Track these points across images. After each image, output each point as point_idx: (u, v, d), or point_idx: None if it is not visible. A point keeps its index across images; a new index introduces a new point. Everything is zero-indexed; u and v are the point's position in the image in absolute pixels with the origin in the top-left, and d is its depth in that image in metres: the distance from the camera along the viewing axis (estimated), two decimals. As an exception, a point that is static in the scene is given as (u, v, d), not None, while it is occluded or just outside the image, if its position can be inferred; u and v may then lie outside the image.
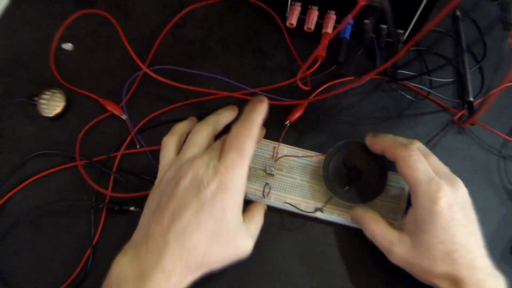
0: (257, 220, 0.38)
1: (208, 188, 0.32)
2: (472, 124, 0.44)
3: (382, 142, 0.39)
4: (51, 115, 0.43)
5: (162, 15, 0.48)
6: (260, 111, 0.36)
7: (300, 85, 0.42)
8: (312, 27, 0.44)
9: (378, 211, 0.40)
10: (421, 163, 0.36)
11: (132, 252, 0.32)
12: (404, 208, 0.41)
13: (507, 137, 0.45)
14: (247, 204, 0.39)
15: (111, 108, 0.43)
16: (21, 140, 0.43)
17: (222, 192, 0.32)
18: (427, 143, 0.45)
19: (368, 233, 0.38)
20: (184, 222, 0.31)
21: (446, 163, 0.44)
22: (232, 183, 0.32)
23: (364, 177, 0.41)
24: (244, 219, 0.35)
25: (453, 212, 0.34)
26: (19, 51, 0.47)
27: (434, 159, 0.39)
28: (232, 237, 0.33)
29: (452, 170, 0.44)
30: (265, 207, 0.40)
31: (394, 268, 0.37)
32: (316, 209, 0.41)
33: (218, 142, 0.36)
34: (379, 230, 0.37)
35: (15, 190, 0.42)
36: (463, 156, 0.45)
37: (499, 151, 0.46)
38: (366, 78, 0.42)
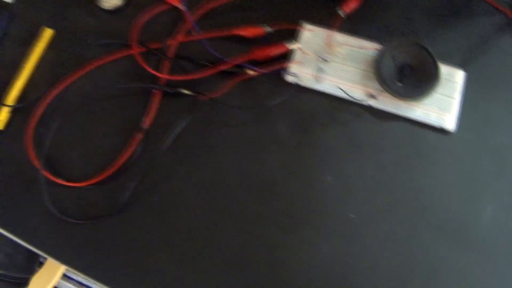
0: None
1: None
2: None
3: None
4: (111, 8, 0.45)
5: None
6: None
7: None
8: None
9: (429, 107, 0.40)
10: None
11: None
12: (458, 102, 0.41)
13: None
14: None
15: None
16: (81, 32, 0.45)
17: None
18: (483, 43, 0.44)
19: None
20: None
21: (503, 65, 0.44)
22: None
23: (417, 73, 0.41)
24: None
25: None
26: None
27: None
28: None
29: (510, 73, 0.43)
30: None
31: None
32: (370, 96, 0.40)
33: None
34: None
35: (73, 78, 0.43)
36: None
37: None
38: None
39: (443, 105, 0.41)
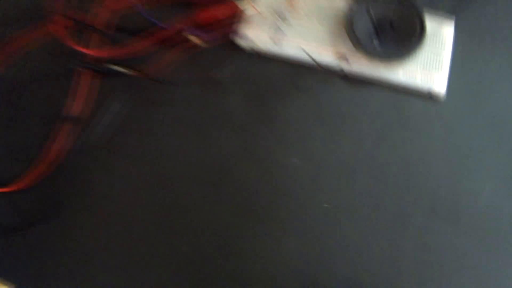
0: None
1: None
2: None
3: None
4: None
5: None
6: None
7: None
8: None
9: (414, 68, 0.34)
10: None
11: None
12: (448, 60, 0.34)
13: None
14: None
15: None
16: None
17: None
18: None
19: None
20: None
21: (497, 11, 0.38)
22: None
23: (398, 29, 0.34)
24: None
25: None
26: None
27: None
28: None
29: (507, 21, 0.37)
30: None
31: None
32: (342, 59, 0.34)
33: None
34: None
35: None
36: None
37: None
38: None
39: (430, 65, 0.34)
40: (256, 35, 0.35)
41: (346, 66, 0.34)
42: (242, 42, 0.35)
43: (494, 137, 0.34)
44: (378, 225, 0.32)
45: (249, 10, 0.35)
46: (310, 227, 0.33)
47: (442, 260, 0.32)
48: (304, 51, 0.34)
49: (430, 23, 0.34)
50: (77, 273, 0.32)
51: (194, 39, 0.34)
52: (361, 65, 0.34)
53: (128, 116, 0.35)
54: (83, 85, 0.35)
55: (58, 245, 0.33)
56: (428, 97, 0.34)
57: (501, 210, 0.33)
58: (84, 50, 0.35)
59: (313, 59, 0.34)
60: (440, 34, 0.35)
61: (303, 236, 0.32)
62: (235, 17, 0.35)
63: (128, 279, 0.32)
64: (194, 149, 0.34)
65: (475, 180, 0.33)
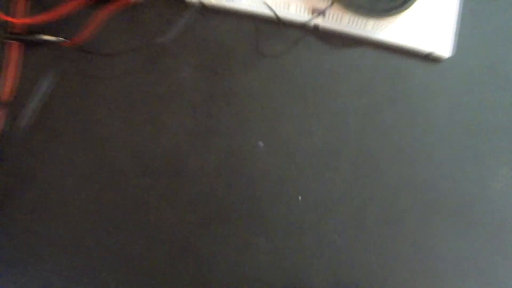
0: None
1: None
2: None
3: None
4: None
5: None
6: None
7: None
8: None
9: (412, 25, 0.27)
10: None
11: None
12: (453, 16, 0.27)
13: None
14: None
15: None
16: None
17: None
18: None
19: None
20: None
21: None
22: None
23: None
24: None
25: None
26: None
27: None
28: None
29: None
30: None
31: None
32: (316, 13, 0.26)
33: None
34: None
35: None
36: None
37: None
38: None
39: (431, 20, 0.27)
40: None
41: (322, 23, 0.27)
42: (189, -4, 0.28)
43: (502, 98, 0.28)
44: (365, 223, 0.28)
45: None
46: (282, 224, 0.28)
47: (444, 267, 0.27)
48: (267, 4, 0.27)
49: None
50: (24, 272, 0.29)
51: (131, -6, 0.28)
52: (341, 21, 0.27)
53: (61, 94, 0.29)
54: (10, 59, 0.29)
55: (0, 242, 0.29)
56: (428, 60, 0.28)
57: None
58: (10, 19, 0.29)
59: (277, 15, 0.27)
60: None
61: (274, 235, 0.28)
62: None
63: (76, 278, 0.29)
64: (141, 134, 0.29)
65: (486, 167, 0.28)
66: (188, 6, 0.29)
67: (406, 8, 0.27)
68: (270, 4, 0.27)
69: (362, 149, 0.28)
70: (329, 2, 0.27)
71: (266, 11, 0.28)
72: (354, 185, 0.28)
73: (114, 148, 0.29)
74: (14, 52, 0.30)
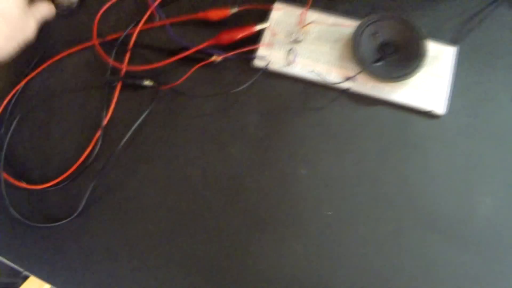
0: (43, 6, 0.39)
1: None
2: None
3: None
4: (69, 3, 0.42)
5: None
6: None
7: None
8: None
9: (416, 88, 0.36)
10: None
11: None
12: (448, 82, 0.36)
13: None
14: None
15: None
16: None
17: None
18: (475, 15, 0.40)
19: None
20: None
21: (498, 37, 0.40)
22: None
23: (400, 52, 0.37)
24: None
25: None
26: None
27: None
28: (17, 25, 0.35)
29: (507, 46, 0.40)
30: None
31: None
32: (348, 79, 0.36)
33: None
34: None
35: (32, 74, 0.40)
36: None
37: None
38: None
39: (431, 85, 0.37)
40: (271, 55, 0.38)
41: (352, 86, 0.37)
42: (257, 62, 0.38)
43: (494, 154, 0.36)
44: (376, 236, 0.34)
45: (266, 32, 0.39)
46: (314, 232, 0.35)
47: (440, 274, 0.33)
48: (314, 71, 0.37)
49: (433, 49, 0.37)
50: (101, 270, 0.35)
51: (214, 57, 0.38)
52: (366, 86, 0.37)
53: (151, 124, 0.38)
54: (114, 96, 0.38)
55: (82, 241, 0.36)
56: (429, 116, 0.37)
57: (501, 223, 0.34)
58: (119, 66, 0.39)
59: (322, 79, 0.37)
60: (442, 56, 0.37)
61: (307, 240, 0.34)
62: (254, 38, 0.38)
63: (144, 281, 0.35)
64: (211, 158, 0.37)
65: (475, 196, 0.35)
66: (256, 69, 0.38)
67: (412, 76, 0.36)
68: (316, 71, 0.37)
69: (376, 178, 0.35)
70: (358, 71, 0.37)
71: (313, 76, 0.37)
72: (369, 206, 0.35)
73: (189, 169, 0.37)
74: (118, 91, 0.39)
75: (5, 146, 0.38)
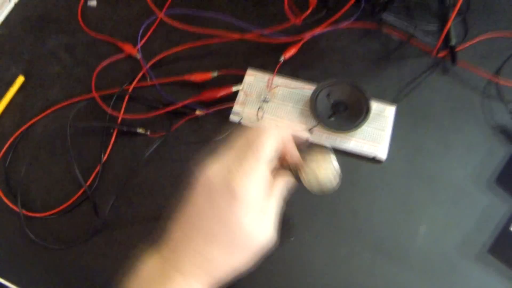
0: (277, 203, 0.32)
1: (221, 196, 0.29)
2: (454, 62, 0.48)
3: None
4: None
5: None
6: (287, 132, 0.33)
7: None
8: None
9: (363, 138, 0.44)
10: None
11: (157, 254, 0.31)
12: (388, 134, 0.45)
13: (491, 77, 0.49)
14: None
15: (127, 49, 0.49)
16: (47, 77, 0.50)
17: (235, 200, 0.28)
18: (412, 82, 0.49)
19: None
20: (199, 231, 0.29)
21: (430, 99, 0.48)
22: (246, 190, 0.29)
23: (350, 109, 0.45)
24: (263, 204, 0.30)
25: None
26: (51, 8, 0.55)
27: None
28: (252, 243, 0.30)
29: (437, 106, 0.48)
30: (290, 181, 0.34)
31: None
32: (306, 131, 0.44)
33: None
34: None
35: (37, 118, 0.48)
36: (447, 94, 0.48)
37: (483, 91, 0.49)
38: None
39: (375, 137, 0.44)
40: (244, 112, 0.46)
41: (310, 137, 0.44)
42: (234, 117, 0.46)
43: (427, 192, 0.43)
44: (334, 258, 0.40)
45: (240, 93, 0.47)
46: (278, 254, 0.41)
47: None
48: (278, 126, 0.45)
49: (376, 107, 0.45)
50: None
51: (198, 111, 0.46)
52: (322, 136, 0.45)
53: (144, 166, 0.45)
54: (111, 140, 0.45)
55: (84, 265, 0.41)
56: (374, 161, 0.44)
57: (433, 246, 0.40)
58: (115, 114, 0.46)
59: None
60: (384, 113, 0.46)
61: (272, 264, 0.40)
62: (231, 97, 0.46)
63: None
64: None
65: (412, 225, 0.41)
66: (232, 122, 0.46)
67: (359, 128, 0.43)
68: (281, 125, 0.45)
69: (331, 212, 0.41)
70: (314, 125, 0.44)
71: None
72: (326, 233, 0.40)
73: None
74: (114, 136, 0.46)
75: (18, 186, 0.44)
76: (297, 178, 0.33)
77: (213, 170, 0.30)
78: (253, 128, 0.31)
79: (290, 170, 0.34)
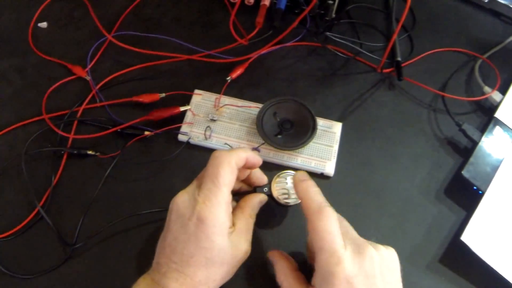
0: (248, 220, 0.38)
1: (190, 221, 0.33)
2: (400, 78, 0.49)
3: (303, 191, 0.37)
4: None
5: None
6: (245, 150, 0.37)
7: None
8: (252, 1, 0.51)
9: (310, 155, 0.45)
10: (329, 232, 0.34)
11: (149, 277, 0.34)
12: (336, 150, 0.46)
13: (437, 91, 0.50)
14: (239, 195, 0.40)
15: (77, 71, 0.49)
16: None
17: (202, 223, 0.33)
18: (359, 98, 0.50)
19: (277, 281, 0.37)
20: (179, 254, 0.33)
21: (377, 114, 0.49)
22: (210, 213, 0.33)
23: (296, 127, 0.46)
24: (235, 223, 0.36)
25: (352, 284, 0.32)
26: (1, 30, 0.55)
27: (345, 224, 0.37)
28: (227, 257, 0.34)
29: (384, 121, 0.49)
30: (262, 199, 0.40)
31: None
32: (253, 149, 0.45)
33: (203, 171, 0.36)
34: (287, 284, 0.36)
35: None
36: (394, 108, 0.50)
37: (429, 104, 0.50)
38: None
39: (323, 153, 0.45)
40: (193, 131, 0.46)
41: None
42: (182, 136, 0.46)
43: (374, 204, 0.44)
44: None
45: (188, 113, 0.47)
46: None
47: None
48: (227, 144, 0.45)
49: (323, 123, 0.46)
50: None
51: (148, 132, 0.46)
52: (269, 154, 0.45)
53: (94, 186, 0.44)
54: (62, 164, 0.45)
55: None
56: (322, 177, 0.45)
57: None
58: (67, 135, 0.46)
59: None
60: (331, 130, 0.47)
61: None
62: (179, 118, 0.47)
63: None
64: (146, 215, 0.42)
65: (361, 235, 0.40)
66: (180, 142, 0.46)
67: (305, 145, 0.44)
68: (229, 144, 0.45)
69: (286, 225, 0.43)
70: (261, 143, 0.45)
71: (227, 148, 0.45)
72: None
73: (128, 221, 0.44)
74: (64, 159, 0.45)
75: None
76: (262, 193, 0.40)
77: (182, 199, 0.35)
78: (212, 156, 0.36)
79: (255, 187, 0.40)
